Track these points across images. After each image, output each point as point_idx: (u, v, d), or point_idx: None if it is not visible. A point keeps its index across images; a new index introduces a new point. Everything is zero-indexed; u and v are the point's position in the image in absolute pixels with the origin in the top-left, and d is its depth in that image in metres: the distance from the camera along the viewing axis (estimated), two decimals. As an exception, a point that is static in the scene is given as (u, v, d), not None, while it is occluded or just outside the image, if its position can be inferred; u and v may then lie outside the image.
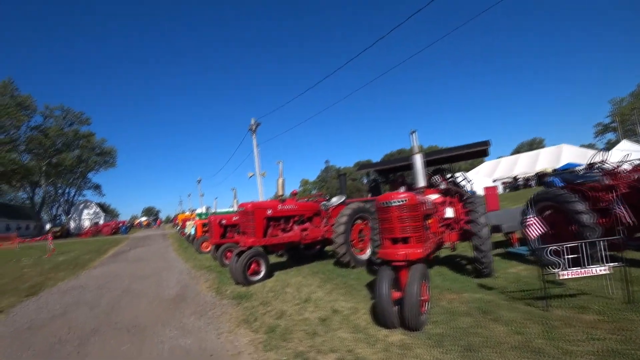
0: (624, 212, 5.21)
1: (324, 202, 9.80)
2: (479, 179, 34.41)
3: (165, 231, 44.86)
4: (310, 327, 4.28)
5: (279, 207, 8.06)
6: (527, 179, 40.91)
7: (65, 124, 56.75)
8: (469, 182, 9.09)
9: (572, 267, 4.14)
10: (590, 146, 60.87)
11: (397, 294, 3.89)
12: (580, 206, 5.71)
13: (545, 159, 42.22)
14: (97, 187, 67.69)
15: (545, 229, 5.10)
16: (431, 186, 7.39)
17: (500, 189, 35.68)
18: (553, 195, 6.18)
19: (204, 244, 13.87)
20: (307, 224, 8.68)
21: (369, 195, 13.68)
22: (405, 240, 4.11)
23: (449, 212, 6.45)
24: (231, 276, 7.29)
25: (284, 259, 10.29)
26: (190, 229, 18.53)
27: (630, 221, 5.24)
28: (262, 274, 7.29)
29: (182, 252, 15.59)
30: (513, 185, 41.49)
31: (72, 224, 63.31)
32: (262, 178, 22.69)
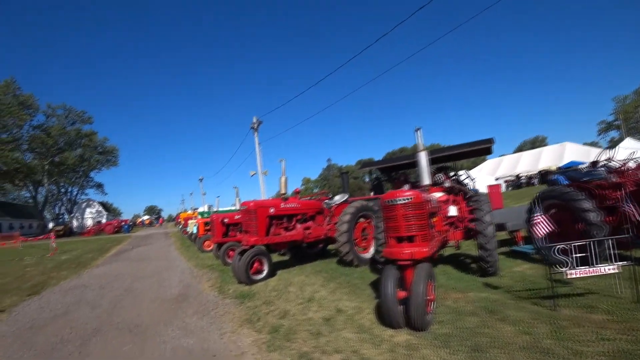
0: (633, 210, 5.13)
1: (327, 200, 9.74)
2: (481, 177, 34.21)
3: (168, 230, 44.96)
4: (314, 327, 4.22)
5: (282, 205, 8.00)
6: (529, 177, 40.72)
7: (67, 122, 56.82)
8: (472, 180, 9.01)
9: (580, 266, 4.08)
10: (594, 144, 60.59)
11: (402, 294, 3.82)
12: (587, 204, 5.63)
13: (548, 157, 41.99)
14: (99, 186, 67.76)
15: (553, 228, 5.03)
16: (435, 184, 7.31)
17: (502, 188, 35.50)
18: (559, 193, 6.09)
19: (206, 243, 13.83)
20: (309, 223, 8.62)
21: (371, 193, 13.61)
22: (410, 239, 4.05)
23: (453, 211, 6.38)
24: (234, 275, 7.24)
25: (286, 257, 10.25)
26: (192, 228, 18.51)
27: (638, 219, 5.17)
28: (264, 273, 7.24)
29: (184, 251, 15.57)
30: (516, 183, 41.28)
31: (74, 223, 63.51)
32: (264, 176, 22.66)
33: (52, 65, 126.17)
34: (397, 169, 10.73)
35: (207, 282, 7.76)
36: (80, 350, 4.26)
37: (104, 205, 79.20)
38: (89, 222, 67.40)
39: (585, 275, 4.04)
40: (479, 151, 8.79)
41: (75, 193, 65.60)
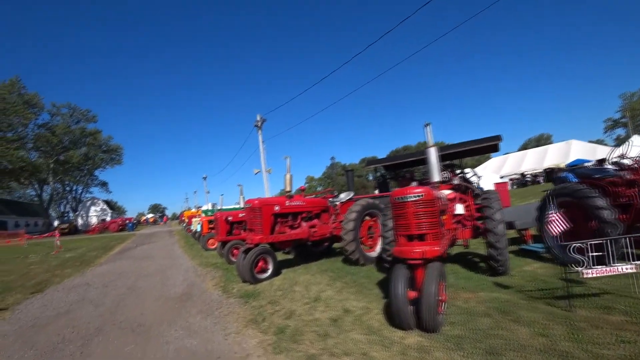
0: None
1: (332, 198, 9.62)
2: (486, 175, 33.94)
3: (172, 228, 45.05)
4: (321, 328, 4.10)
5: (287, 203, 7.89)
6: (534, 176, 40.45)
7: (72, 121, 57.03)
8: (478, 178, 8.86)
9: (596, 265, 3.93)
10: (599, 142, 59.96)
11: (412, 294, 3.69)
12: (601, 202, 5.46)
13: (554, 155, 41.69)
14: (104, 184, 67.98)
15: (568, 225, 4.88)
16: (442, 182, 7.17)
17: (507, 186, 35.23)
18: (572, 190, 5.92)
19: (210, 241, 13.77)
20: (315, 221, 8.49)
21: (376, 191, 13.47)
22: (421, 237, 3.91)
23: (460, 209, 6.25)
24: (238, 274, 7.14)
25: (291, 256, 10.14)
26: (196, 226, 18.46)
27: None
28: (269, 271, 7.13)
29: (188, 249, 15.52)
30: (521, 181, 41.02)
31: (79, 221, 63.78)
32: (267, 175, 22.58)
33: (56, 64, 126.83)
34: (403, 167, 10.60)
35: (211, 281, 7.67)
36: (82, 351, 4.18)
37: (109, 203, 79.51)
38: (94, 220, 67.64)
39: (602, 274, 3.89)
40: (486, 148, 8.63)
41: (80, 191, 65.96)
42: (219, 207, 16.56)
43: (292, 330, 4.13)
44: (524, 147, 76.16)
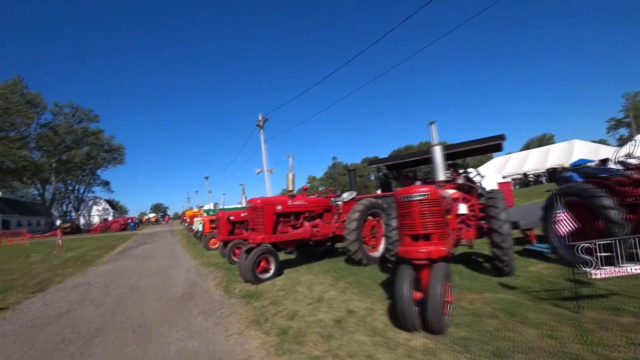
0: None
1: (335, 197, 9.55)
2: (488, 175, 33.81)
3: (174, 228, 45.08)
4: (325, 329, 4.03)
5: (289, 202, 7.82)
6: (537, 176, 40.23)
7: (74, 121, 57.12)
8: (481, 177, 8.78)
9: (603, 265, 3.86)
10: (602, 142, 59.67)
11: (418, 295, 3.62)
12: (608, 201, 5.38)
13: (557, 155, 41.44)
14: (106, 184, 68.07)
15: (576, 225, 4.79)
16: (446, 181, 7.11)
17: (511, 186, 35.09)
18: (578, 189, 5.83)
19: (212, 241, 13.72)
20: (317, 221, 8.42)
21: (378, 191, 13.39)
22: (426, 237, 3.84)
23: (463, 209, 6.18)
24: (240, 274, 7.08)
25: (293, 256, 10.08)
26: (198, 226, 18.42)
27: None
28: (271, 271, 7.07)
29: (190, 249, 15.49)
30: (523, 181, 40.81)
31: (81, 220, 63.93)
32: (269, 174, 22.52)
33: (59, 64, 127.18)
34: (406, 166, 10.54)
35: (213, 281, 7.61)
36: (82, 351, 4.13)
37: (111, 203, 79.65)
38: (96, 220, 67.84)
39: (611, 275, 3.82)
40: (489, 148, 8.57)
41: (82, 191, 66.12)
42: (220, 207, 16.50)
43: (295, 331, 4.07)
44: (526, 147, 75.88)
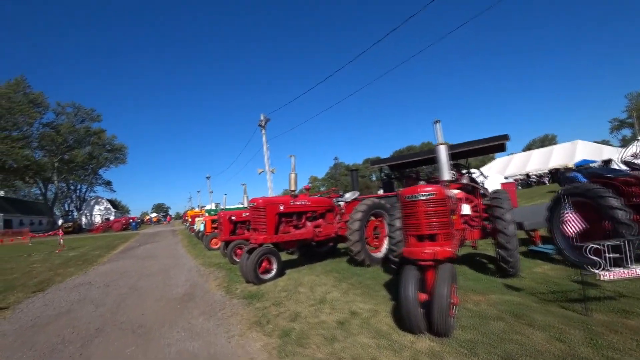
0: None
1: (337, 197, 9.48)
2: (491, 175, 33.68)
3: (175, 227, 45.10)
4: (328, 331, 3.96)
5: (291, 202, 7.75)
6: (539, 176, 40.07)
7: (76, 120, 57.31)
8: (485, 178, 8.69)
9: (611, 267, 3.79)
10: (605, 142, 59.42)
11: (423, 296, 3.55)
12: (615, 201, 5.29)
13: (559, 155, 41.24)
14: (108, 184, 68.32)
15: (584, 225, 4.71)
16: (451, 181, 7.03)
17: (515, 186, 34.93)
18: (584, 189, 5.74)
19: (213, 241, 13.67)
20: (320, 221, 8.35)
21: (380, 191, 13.31)
22: (432, 238, 3.77)
23: (467, 209, 6.11)
24: (241, 274, 7.02)
25: (295, 256, 10.02)
26: (199, 226, 18.38)
27: None
28: (273, 272, 7.00)
29: (191, 249, 15.45)
30: (526, 182, 40.65)
31: (83, 220, 64.09)
32: (271, 174, 22.48)
33: (61, 64, 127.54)
34: (408, 167, 10.46)
35: (214, 281, 7.56)
36: (82, 352, 4.07)
37: (112, 202, 79.88)
38: (98, 219, 68.05)
39: (620, 277, 3.74)
40: (492, 148, 8.48)
41: (84, 190, 66.39)
42: (222, 207, 16.45)
43: (297, 333, 3.99)
44: (529, 147, 75.66)
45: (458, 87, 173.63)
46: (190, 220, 28.38)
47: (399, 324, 3.83)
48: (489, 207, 5.83)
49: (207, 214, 19.31)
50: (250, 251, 6.98)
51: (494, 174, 36.69)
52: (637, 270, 3.70)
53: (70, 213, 63.68)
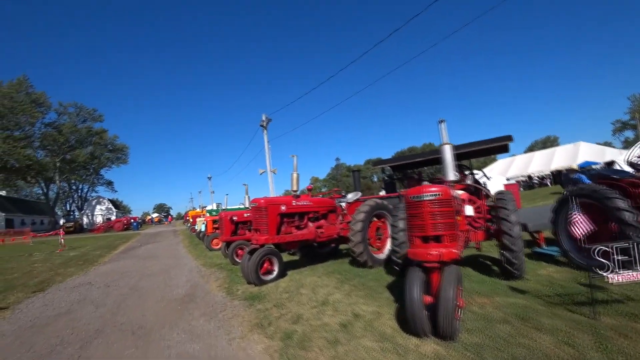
0: None
1: (339, 198, 9.41)
2: (492, 176, 33.57)
3: (176, 228, 45.09)
4: (331, 333, 3.89)
5: (293, 203, 7.69)
6: (542, 178, 39.94)
7: (78, 120, 57.47)
8: (488, 179, 8.61)
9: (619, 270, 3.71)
10: (607, 144, 59.21)
11: (428, 298, 3.48)
12: (622, 203, 5.20)
13: (562, 157, 41.12)
14: (109, 184, 68.46)
15: (592, 227, 4.63)
16: (455, 181, 6.97)
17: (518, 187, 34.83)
18: (590, 190, 5.66)
19: (215, 241, 13.62)
20: (322, 221, 8.29)
21: (382, 192, 13.25)
22: (437, 239, 3.69)
23: (470, 210, 6.03)
24: (243, 275, 6.95)
25: (296, 257, 9.95)
26: (200, 226, 18.35)
27: None
28: (275, 273, 6.94)
29: (192, 249, 15.40)
30: (528, 184, 40.51)
31: (85, 220, 64.17)
32: (272, 175, 22.42)
33: (62, 63, 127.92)
34: (411, 167, 10.40)
35: (215, 282, 7.49)
36: (80, 354, 4.01)
37: (114, 202, 79.96)
38: (99, 219, 68.10)
39: (630, 280, 3.66)
40: (495, 149, 8.42)
41: (85, 190, 66.49)
42: (223, 207, 16.40)
43: (299, 335, 3.93)
44: (530, 149, 75.52)
45: (460, 88, 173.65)
46: (191, 220, 28.38)
47: (403, 326, 3.76)
48: (493, 208, 5.75)
49: (208, 214, 19.28)
50: (251, 252, 6.92)
51: (496, 175, 36.57)
52: (646, 273, 3.62)
53: (71, 213, 63.82)
